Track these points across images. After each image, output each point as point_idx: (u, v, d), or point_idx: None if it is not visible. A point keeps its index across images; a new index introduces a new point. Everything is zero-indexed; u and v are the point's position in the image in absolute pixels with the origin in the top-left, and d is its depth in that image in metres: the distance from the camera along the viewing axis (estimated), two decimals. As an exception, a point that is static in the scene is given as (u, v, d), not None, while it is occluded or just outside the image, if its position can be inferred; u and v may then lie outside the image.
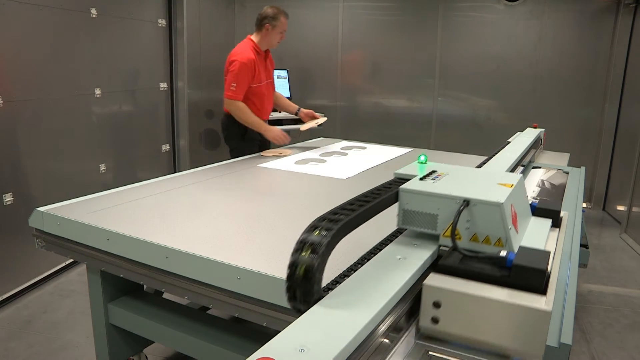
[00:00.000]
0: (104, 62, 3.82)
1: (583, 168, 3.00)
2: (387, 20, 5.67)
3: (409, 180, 1.38)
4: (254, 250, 1.52)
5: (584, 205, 4.72)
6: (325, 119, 3.47)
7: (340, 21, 5.68)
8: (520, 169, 2.71)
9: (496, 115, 5.48)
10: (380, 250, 1.29)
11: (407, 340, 1.08)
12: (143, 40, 4.37)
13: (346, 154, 3.23)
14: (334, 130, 5.63)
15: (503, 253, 1.11)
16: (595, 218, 5.10)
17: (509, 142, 2.93)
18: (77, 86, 3.59)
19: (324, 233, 1.00)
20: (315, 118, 3.50)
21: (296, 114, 3.57)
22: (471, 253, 1.15)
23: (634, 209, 4.46)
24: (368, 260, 1.23)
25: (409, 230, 1.35)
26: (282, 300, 1.33)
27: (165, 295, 1.87)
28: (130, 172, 4.26)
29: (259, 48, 3.23)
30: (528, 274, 1.04)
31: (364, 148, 3.39)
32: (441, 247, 1.26)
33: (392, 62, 5.71)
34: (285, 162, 2.91)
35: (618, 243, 4.41)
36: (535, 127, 3.46)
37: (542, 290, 1.03)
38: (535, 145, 3.15)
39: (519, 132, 3.32)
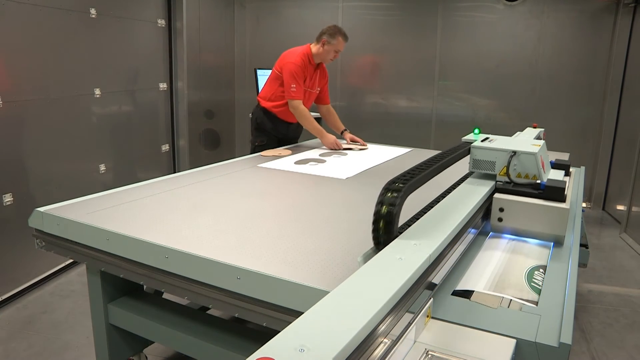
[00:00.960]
0: (103, 63, 3.82)
1: (583, 168, 3.00)
2: (387, 20, 5.68)
3: (472, 142, 2.04)
4: (254, 250, 1.52)
5: (584, 204, 4.73)
6: (366, 147, 3.52)
7: (340, 21, 5.67)
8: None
9: (496, 115, 5.48)
10: (453, 189, 1.86)
11: (407, 340, 1.08)
12: (143, 41, 4.37)
13: (346, 154, 3.23)
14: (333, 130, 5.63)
15: (537, 181, 1.84)
16: (595, 218, 5.10)
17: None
18: (77, 86, 3.59)
19: (408, 176, 1.41)
20: (362, 143, 3.57)
21: (341, 134, 3.65)
22: (520, 182, 1.88)
23: (634, 209, 4.46)
24: (448, 194, 1.76)
25: (476, 173, 2.02)
26: (282, 300, 1.33)
27: (165, 296, 1.87)
28: (130, 172, 4.26)
29: (312, 59, 3.33)
30: (554, 191, 1.75)
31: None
32: (497, 182, 1.91)
33: (391, 62, 5.71)
34: (285, 162, 2.91)
35: (618, 243, 4.41)
36: (535, 127, 3.46)
37: (563, 199, 1.74)
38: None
39: (518, 132, 3.32)
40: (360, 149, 3.44)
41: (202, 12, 5.17)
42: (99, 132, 3.87)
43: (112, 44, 3.92)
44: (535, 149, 1.88)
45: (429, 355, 1.10)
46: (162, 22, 4.57)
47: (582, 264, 2.30)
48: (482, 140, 2.09)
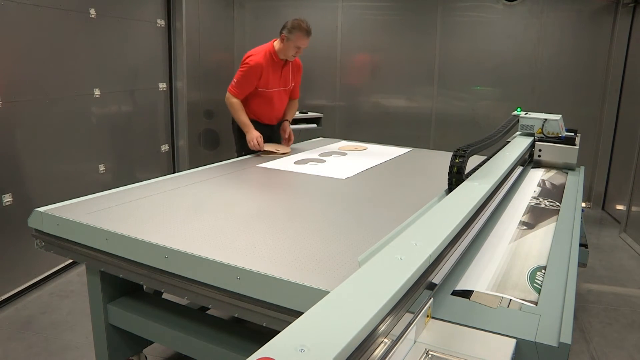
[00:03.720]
0: (103, 63, 3.82)
1: (582, 167, 3.00)
2: (387, 20, 5.68)
3: (518, 115, 3.25)
4: (254, 250, 1.52)
5: (583, 204, 4.73)
6: (287, 150, 3.25)
7: (340, 21, 5.68)
8: (520, 168, 2.73)
9: (495, 115, 5.48)
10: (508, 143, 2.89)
11: (407, 340, 1.08)
12: (142, 41, 4.37)
13: (345, 154, 3.23)
14: (333, 130, 5.63)
15: (560, 136, 3.11)
16: (594, 217, 5.10)
17: (508, 141, 2.94)
18: (77, 86, 3.59)
19: (473, 146, 2.06)
20: (288, 140, 3.37)
21: (280, 123, 3.43)
22: (549, 137, 3.13)
23: (633, 209, 4.46)
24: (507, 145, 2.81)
25: (522, 132, 3.22)
26: (282, 300, 1.33)
27: (165, 296, 1.87)
28: (130, 173, 4.26)
29: (276, 56, 3.16)
30: (569, 140, 3.09)
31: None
32: (535, 137, 3.15)
33: (391, 62, 5.71)
34: (284, 162, 2.91)
35: (617, 242, 4.41)
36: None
37: (574, 143, 3.08)
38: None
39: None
40: (277, 151, 3.18)
41: (201, 12, 5.17)
42: (98, 132, 3.87)
43: (112, 44, 3.91)
44: (558, 117, 3.15)
45: (429, 355, 1.10)
46: (161, 22, 4.57)
47: (581, 264, 2.30)
48: (524, 114, 3.25)
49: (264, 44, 3.22)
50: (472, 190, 1.82)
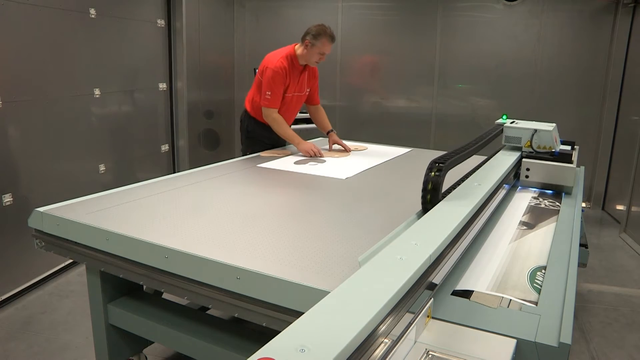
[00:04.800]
0: (103, 63, 3.82)
1: (582, 167, 3.00)
2: (387, 20, 5.68)
3: (504, 124, 2.80)
4: (254, 250, 1.52)
5: (583, 204, 4.73)
6: (348, 153, 3.27)
7: (340, 21, 5.68)
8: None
9: (495, 115, 5.45)
10: (490, 159, 2.50)
11: (407, 340, 1.08)
12: (142, 41, 4.37)
13: (348, 154, 3.23)
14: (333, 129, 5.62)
15: (553, 150, 2.60)
16: (594, 217, 5.10)
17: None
18: (76, 86, 3.59)
19: (452, 156, 1.77)
20: (346, 149, 3.35)
21: (327, 134, 3.46)
22: (540, 152, 2.63)
23: (633, 209, 4.46)
24: (487, 162, 2.38)
25: (507, 146, 2.76)
26: (282, 300, 1.33)
27: (165, 296, 1.86)
28: (130, 173, 4.26)
29: (297, 60, 3.10)
30: (565, 156, 2.56)
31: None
32: (523, 152, 2.67)
33: (391, 62, 5.71)
34: (284, 162, 2.91)
35: (617, 242, 4.41)
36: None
37: (571, 161, 2.52)
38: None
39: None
40: (340, 156, 3.19)
41: (201, 12, 5.17)
42: (98, 132, 3.87)
43: (112, 44, 3.91)
44: (551, 128, 2.66)
45: (430, 355, 1.10)
46: (161, 22, 4.57)
47: (581, 264, 2.30)
48: (510, 123, 2.82)
49: (279, 49, 3.15)
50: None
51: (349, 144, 3.64)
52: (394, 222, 1.49)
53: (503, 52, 5.32)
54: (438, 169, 1.62)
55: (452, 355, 1.10)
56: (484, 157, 2.63)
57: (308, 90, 3.34)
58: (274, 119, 3.10)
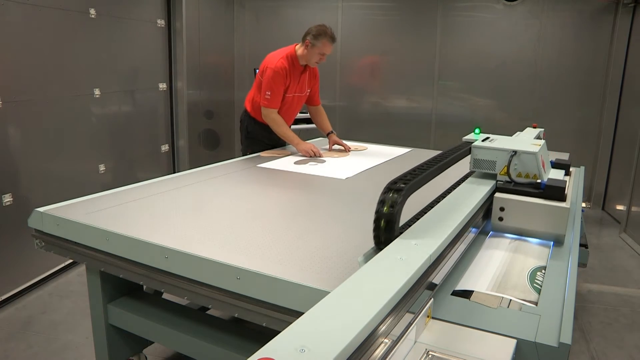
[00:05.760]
0: (103, 63, 3.82)
1: (582, 168, 3.00)
2: (387, 20, 5.68)
3: (473, 142, 2.04)
4: (254, 251, 1.52)
5: (583, 204, 4.74)
6: (348, 153, 3.27)
7: (340, 21, 5.68)
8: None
9: (495, 115, 5.49)
10: (453, 190, 1.84)
11: (407, 341, 1.08)
12: (142, 41, 4.37)
13: (347, 154, 3.23)
14: (333, 130, 5.62)
15: (538, 181, 1.84)
16: (594, 217, 5.10)
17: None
18: (76, 86, 3.59)
19: (402, 185, 1.35)
20: (346, 149, 3.35)
21: (327, 135, 3.47)
22: (520, 181, 1.88)
23: (633, 209, 4.46)
24: (449, 194, 1.75)
25: (477, 172, 2.02)
26: (282, 300, 1.33)
27: (165, 296, 1.86)
28: (130, 173, 4.26)
29: (297, 60, 3.09)
30: (555, 190, 1.76)
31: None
32: (498, 181, 1.92)
33: (391, 62, 5.71)
34: (284, 162, 2.91)
35: (617, 242, 4.41)
36: (534, 127, 3.46)
37: (563, 198, 1.75)
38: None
39: (518, 132, 3.32)
40: (340, 156, 3.18)
41: (201, 12, 5.17)
42: (98, 132, 3.87)
43: (112, 44, 3.91)
44: (536, 149, 1.90)
45: (430, 356, 1.10)
46: (161, 22, 4.57)
47: (581, 264, 2.30)
48: (482, 140, 2.09)
49: (280, 50, 3.14)
50: (474, 192, 1.68)
51: (349, 144, 3.64)
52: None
53: (503, 52, 5.32)
54: (392, 203, 1.27)
55: (452, 355, 1.10)
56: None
57: (308, 90, 3.33)
58: (273, 119, 3.10)
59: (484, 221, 1.87)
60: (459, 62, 5.46)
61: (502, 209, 1.82)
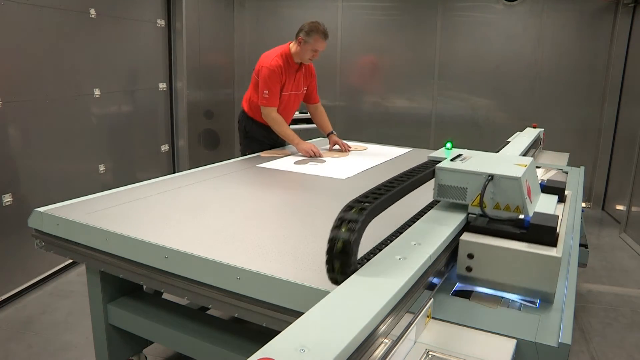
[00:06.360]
0: (103, 63, 3.82)
1: (582, 168, 3.00)
2: (386, 20, 5.68)
3: (440, 162, 1.62)
4: (254, 251, 1.52)
5: (583, 204, 4.73)
6: (348, 153, 3.27)
7: (339, 21, 5.68)
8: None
9: (495, 115, 5.49)
10: (414, 223, 1.46)
11: (407, 341, 1.08)
12: (142, 41, 4.37)
13: (347, 154, 3.23)
14: (333, 130, 5.62)
15: (521, 216, 1.40)
16: (594, 218, 5.10)
17: (509, 142, 2.93)
18: (77, 86, 3.59)
19: (368, 204, 1.16)
20: (344, 149, 3.34)
21: (327, 136, 3.46)
22: (495, 217, 1.44)
23: (633, 209, 4.46)
24: (402, 232, 1.38)
25: (442, 201, 1.59)
26: (282, 300, 1.33)
27: (165, 296, 1.86)
28: (130, 173, 4.26)
29: (292, 59, 3.10)
30: (542, 231, 1.33)
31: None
32: (470, 215, 1.51)
33: (391, 62, 5.71)
34: (284, 162, 2.91)
35: (617, 243, 4.41)
36: (534, 127, 3.47)
37: (553, 243, 1.32)
38: (534, 145, 3.16)
39: (518, 132, 3.32)
40: (340, 156, 3.18)
41: (201, 12, 5.17)
42: (98, 132, 3.87)
43: (112, 44, 3.91)
44: (519, 172, 1.46)
45: (430, 356, 1.10)
46: (161, 22, 4.57)
47: (581, 264, 2.30)
48: (452, 159, 1.65)
49: (276, 47, 3.15)
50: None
51: (350, 143, 3.64)
52: (394, 222, 1.49)
53: (503, 52, 5.32)
54: (349, 228, 1.07)
55: (452, 355, 1.10)
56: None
57: (305, 89, 3.34)
58: (273, 118, 3.10)
59: (449, 269, 1.41)
60: (459, 62, 5.46)
61: (470, 256, 1.36)
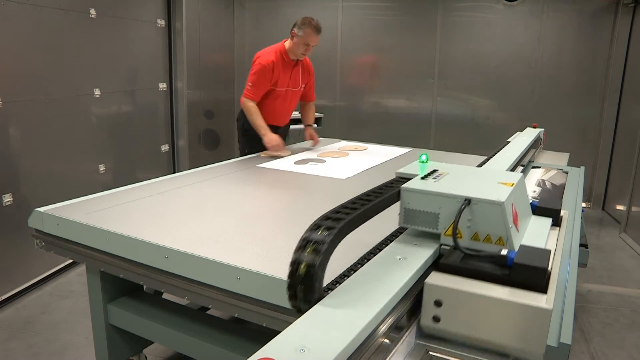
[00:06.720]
0: (103, 63, 3.82)
1: (582, 168, 3.00)
2: (387, 20, 5.68)
3: (411, 179, 1.41)
4: (254, 251, 1.52)
5: (584, 204, 4.73)
6: (287, 153, 3.18)
7: (340, 21, 5.68)
8: (520, 168, 2.72)
9: (495, 115, 5.49)
10: (381, 250, 1.30)
11: (407, 340, 1.08)
12: (142, 41, 4.37)
13: (347, 154, 3.23)
14: (333, 130, 5.63)
15: (504, 252, 1.12)
16: (594, 218, 5.10)
17: (509, 142, 2.93)
18: (77, 86, 3.59)
19: (327, 232, 1.01)
20: (315, 144, 3.44)
21: (305, 127, 3.53)
22: (472, 252, 1.17)
23: (633, 209, 4.46)
24: (368, 260, 1.24)
25: (411, 229, 1.37)
26: (282, 300, 1.33)
27: (165, 296, 1.86)
28: (130, 173, 4.26)
29: (287, 55, 3.14)
30: (529, 272, 1.06)
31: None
32: (442, 246, 1.28)
33: (391, 62, 5.71)
34: (284, 162, 2.91)
35: (617, 242, 4.41)
36: (534, 127, 3.47)
37: (542, 288, 1.05)
38: (534, 145, 3.16)
39: (518, 132, 3.32)
40: (340, 156, 3.15)
41: (202, 12, 5.17)
42: (98, 132, 3.87)
43: (112, 44, 3.91)
44: (503, 194, 1.22)
45: (429, 356, 1.10)
46: (161, 22, 4.57)
47: (581, 264, 2.30)
48: (424, 177, 1.41)
49: (273, 45, 3.21)
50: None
51: (349, 144, 3.65)
52: (394, 222, 1.49)
53: (503, 52, 5.32)
54: (315, 249, 0.98)
55: (452, 355, 1.09)
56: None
57: (303, 86, 3.36)
58: (248, 108, 3.13)
59: (413, 318, 1.14)
60: (459, 62, 5.46)
61: (438, 304, 1.09)
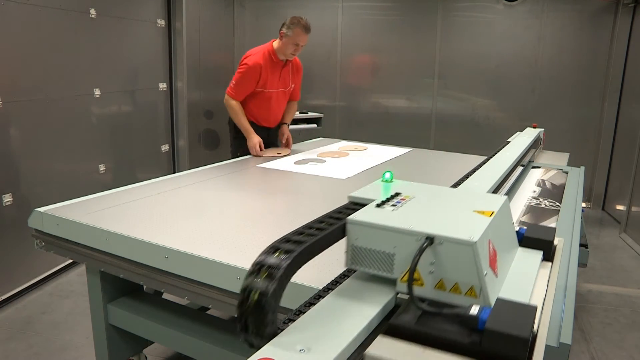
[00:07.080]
0: (103, 63, 3.82)
1: (582, 168, 3.00)
2: (387, 20, 5.68)
3: (365, 205, 1.10)
4: (254, 250, 1.52)
5: (584, 204, 4.73)
6: (287, 152, 3.20)
7: (340, 21, 5.68)
8: (520, 169, 2.72)
9: (495, 115, 5.49)
10: (321, 298, 1.00)
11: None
12: (142, 41, 4.37)
13: (347, 154, 3.23)
14: (333, 130, 5.63)
15: (474, 309, 0.82)
16: (594, 218, 5.10)
17: (509, 142, 2.93)
18: (77, 86, 3.59)
19: (284, 256, 0.89)
20: (286, 145, 3.30)
21: (278, 125, 3.37)
22: (432, 309, 0.86)
23: (633, 209, 4.46)
24: (312, 304, 0.98)
25: (357, 273, 1.07)
26: (282, 300, 1.33)
27: (165, 296, 1.86)
28: (130, 173, 4.26)
29: (275, 56, 3.12)
30: (505, 342, 0.76)
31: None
32: (399, 296, 0.97)
33: (391, 62, 5.71)
34: (284, 162, 2.91)
35: (617, 242, 4.41)
36: (534, 127, 3.47)
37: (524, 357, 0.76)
38: (534, 145, 3.16)
39: (518, 132, 3.32)
40: (278, 154, 3.13)
41: (202, 12, 5.17)
42: (98, 132, 3.87)
43: (112, 44, 3.91)
44: (477, 230, 0.93)
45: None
46: (161, 22, 4.57)
47: (581, 264, 2.30)
48: (381, 203, 1.11)
49: (262, 45, 3.19)
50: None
51: (349, 144, 3.64)
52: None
53: (503, 52, 5.32)
54: (269, 275, 0.86)
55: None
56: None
57: (293, 86, 3.34)
58: (232, 106, 3.13)
59: None
60: (458, 62, 5.46)
61: None
